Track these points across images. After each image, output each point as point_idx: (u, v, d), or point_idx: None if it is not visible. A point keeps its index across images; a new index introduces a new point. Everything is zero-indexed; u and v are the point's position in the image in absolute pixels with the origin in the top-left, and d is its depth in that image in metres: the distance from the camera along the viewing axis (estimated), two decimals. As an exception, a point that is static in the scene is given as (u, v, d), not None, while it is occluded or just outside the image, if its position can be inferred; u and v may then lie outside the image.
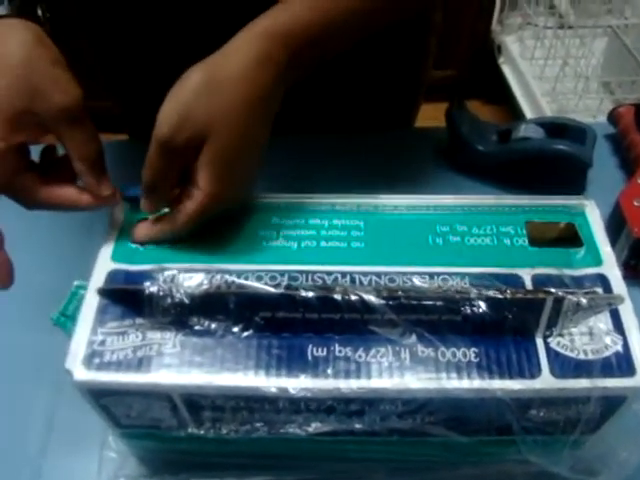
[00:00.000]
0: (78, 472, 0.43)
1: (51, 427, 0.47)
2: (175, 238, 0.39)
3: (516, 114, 1.46)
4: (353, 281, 0.36)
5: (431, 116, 0.66)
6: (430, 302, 0.33)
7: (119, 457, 0.42)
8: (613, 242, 0.52)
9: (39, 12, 0.41)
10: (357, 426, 0.34)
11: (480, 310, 0.33)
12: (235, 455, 0.41)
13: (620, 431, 0.38)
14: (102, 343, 0.35)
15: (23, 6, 0.40)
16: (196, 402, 0.34)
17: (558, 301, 0.34)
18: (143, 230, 0.40)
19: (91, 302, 0.36)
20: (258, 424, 0.35)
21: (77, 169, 0.39)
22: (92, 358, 0.34)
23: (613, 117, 0.64)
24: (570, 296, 0.34)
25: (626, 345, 0.34)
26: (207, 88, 0.37)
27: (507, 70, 1.57)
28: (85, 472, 0.41)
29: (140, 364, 0.34)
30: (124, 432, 0.39)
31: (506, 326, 0.34)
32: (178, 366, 0.33)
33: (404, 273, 0.36)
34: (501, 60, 1.59)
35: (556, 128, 0.59)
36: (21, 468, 0.45)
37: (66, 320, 0.48)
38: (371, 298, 0.33)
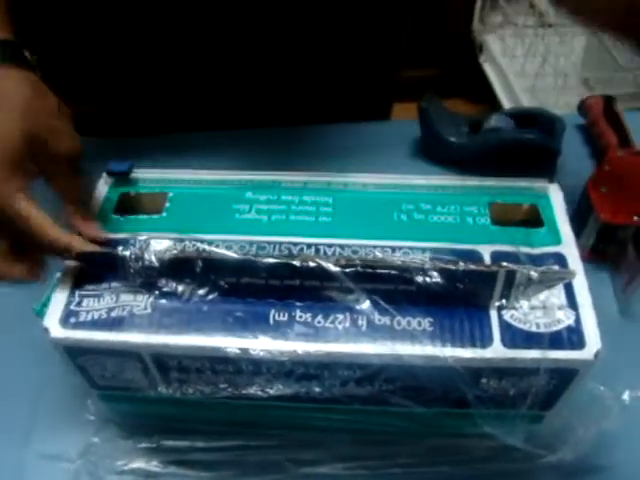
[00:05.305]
0: (61, 437, 0.45)
1: (37, 402, 0.48)
2: None
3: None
4: (318, 252, 0.38)
5: (412, 115, 0.67)
6: (385, 271, 0.34)
7: (97, 420, 0.44)
8: (581, 228, 0.53)
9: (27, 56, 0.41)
10: (316, 389, 0.36)
11: (433, 280, 0.34)
12: (206, 422, 0.43)
13: (576, 408, 0.40)
14: (79, 304, 0.37)
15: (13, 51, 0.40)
16: (164, 362, 0.36)
17: (510, 274, 0.35)
18: None
19: (70, 267, 0.38)
20: (222, 385, 0.37)
21: (67, 211, 0.40)
22: (69, 317, 0.36)
23: (583, 108, 0.65)
24: (522, 269, 0.35)
25: (578, 320, 0.35)
26: None
27: (488, 68, 1.58)
28: (67, 437, 0.44)
29: (113, 324, 0.36)
30: (101, 394, 0.41)
31: (459, 297, 0.35)
32: (148, 326, 0.35)
33: (367, 246, 0.38)
34: (482, 59, 1.60)
35: (526, 118, 0.60)
36: (13, 433, 0.47)
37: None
38: (329, 266, 0.34)
